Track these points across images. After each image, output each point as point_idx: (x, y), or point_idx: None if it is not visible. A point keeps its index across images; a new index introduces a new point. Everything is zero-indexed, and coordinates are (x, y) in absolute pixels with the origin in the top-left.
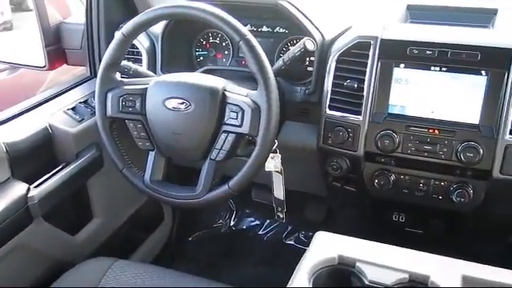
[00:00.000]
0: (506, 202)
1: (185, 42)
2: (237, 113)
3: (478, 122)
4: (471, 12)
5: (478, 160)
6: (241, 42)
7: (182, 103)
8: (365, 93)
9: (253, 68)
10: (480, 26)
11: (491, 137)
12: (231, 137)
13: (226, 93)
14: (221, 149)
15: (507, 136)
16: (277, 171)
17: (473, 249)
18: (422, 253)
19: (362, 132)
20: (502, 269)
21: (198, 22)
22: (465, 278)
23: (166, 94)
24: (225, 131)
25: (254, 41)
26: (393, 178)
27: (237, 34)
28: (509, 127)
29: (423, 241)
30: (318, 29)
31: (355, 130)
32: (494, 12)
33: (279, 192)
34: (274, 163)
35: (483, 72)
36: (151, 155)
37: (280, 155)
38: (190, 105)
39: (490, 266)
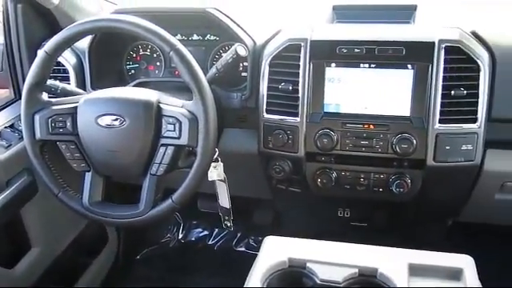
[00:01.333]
0: (442, 188)
1: (114, 56)
2: (174, 125)
3: (409, 114)
4: (393, 9)
5: (413, 150)
6: (171, 53)
7: (116, 119)
8: (300, 94)
9: (186, 78)
10: (402, 22)
11: (422, 127)
12: (170, 149)
13: (161, 105)
14: (160, 163)
15: (437, 125)
16: (220, 180)
17: (416, 235)
18: (369, 246)
19: (301, 133)
20: (442, 253)
21: (125, 35)
22: (411, 266)
23: (98, 112)
24: (163, 144)
25: (185, 50)
26: (334, 175)
27: (166, 44)
28: (437, 117)
29: (369, 233)
30: (248, 34)
31: (294, 131)
32: (414, 8)
33: (224, 200)
34: (216, 172)
35: (409, 66)
36: (88, 176)
37: (222, 164)
38: (125, 120)
39: (432, 252)
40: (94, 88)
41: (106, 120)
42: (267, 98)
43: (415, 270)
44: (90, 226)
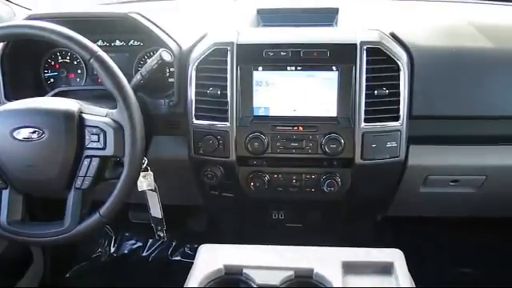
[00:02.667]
0: (370, 184)
1: (30, 64)
2: (98, 135)
3: (336, 115)
4: (316, 12)
5: (341, 150)
6: (91, 60)
7: (34, 132)
8: (229, 99)
9: (108, 86)
10: (326, 25)
11: (349, 127)
12: (95, 161)
13: (84, 115)
14: (85, 176)
15: (362, 124)
16: (151, 189)
17: (349, 233)
18: (304, 247)
19: (232, 137)
20: (374, 249)
21: (42, 42)
22: (345, 264)
23: (13, 124)
24: (87, 156)
25: (106, 57)
26: (267, 178)
27: (86, 51)
28: (363, 116)
29: (305, 233)
30: (173, 39)
31: (225, 136)
32: (336, 11)
33: (156, 210)
34: (146, 182)
35: (334, 67)
36: (5, 194)
37: (152, 173)
38: (44, 133)
39: (364, 249)
40: (9, 99)
41: (23, 133)
42: (196, 104)
43: (349, 268)
44: (11, 248)
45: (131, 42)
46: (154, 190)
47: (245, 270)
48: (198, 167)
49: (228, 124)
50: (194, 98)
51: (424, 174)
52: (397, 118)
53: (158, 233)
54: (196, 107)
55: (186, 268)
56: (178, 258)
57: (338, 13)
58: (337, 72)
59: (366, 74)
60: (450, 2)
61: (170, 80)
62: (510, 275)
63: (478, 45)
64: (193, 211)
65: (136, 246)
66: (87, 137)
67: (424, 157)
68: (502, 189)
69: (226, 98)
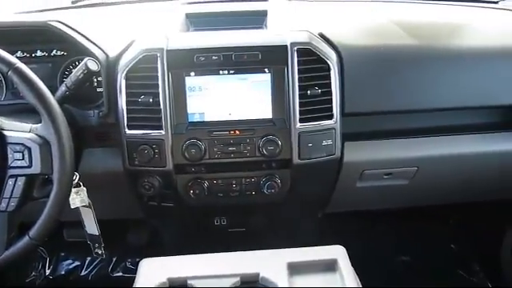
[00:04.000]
0: (309, 183)
1: None
2: (22, 152)
3: (271, 117)
4: (245, 15)
5: (279, 151)
6: (10, 73)
7: None
8: (162, 106)
9: (30, 99)
10: (256, 28)
11: (285, 128)
12: (21, 181)
13: (4, 132)
14: (11, 197)
15: (298, 125)
16: (85, 206)
17: (292, 233)
18: (248, 252)
19: (168, 146)
20: (317, 247)
21: None
22: (290, 265)
23: None
24: (12, 176)
25: (26, 69)
26: (206, 184)
27: (3, 63)
28: (298, 116)
29: (249, 237)
30: (98, 47)
31: (160, 145)
32: (265, 13)
33: (92, 227)
34: (79, 198)
35: (266, 70)
36: None
37: (85, 188)
38: None
39: (308, 248)
40: None
41: None
42: (127, 113)
43: (294, 269)
44: None
45: (54, 52)
46: (89, 206)
47: (189, 281)
48: (134, 179)
49: (163, 132)
50: (125, 107)
51: (360, 169)
52: (330, 117)
53: (96, 250)
54: (128, 117)
55: (128, 284)
56: (120, 273)
57: (266, 15)
58: (269, 74)
59: (298, 74)
60: (374, 2)
61: (99, 90)
62: (446, 258)
63: (403, 42)
64: (132, 224)
65: (73, 265)
66: (10, 155)
67: (359, 152)
68: (433, 179)
69: (159, 105)
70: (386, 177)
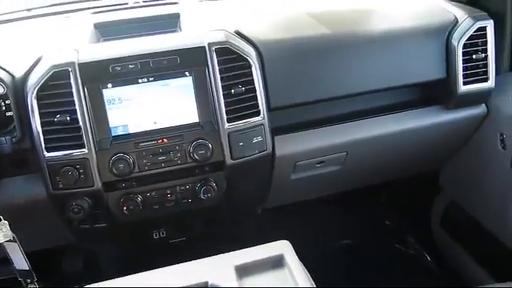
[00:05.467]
0: (245, 182)
1: None
2: None
3: (198, 120)
4: (157, 19)
5: (210, 154)
6: None
7: None
8: (81, 123)
9: None
10: (170, 31)
11: (214, 130)
12: None
13: None
14: None
15: (226, 125)
16: (9, 240)
17: (235, 234)
18: (193, 261)
19: (93, 164)
20: (262, 245)
21: None
22: (237, 268)
23: None
24: None
25: None
26: (140, 198)
27: None
28: (225, 117)
29: (191, 246)
30: (1, 67)
31: (84, 164)
32: (177, 16)
33: (21, 262)
34: (2, 233)
35: (187, 73)
36: None
37: (7, 222)
38: None
39: (253, 247)
40: None
41: None
42: (44, 135)
43: (243, 270)
44: None
45: None
46: (14, 240)
47: None
48: (61, 203)
49: (86, 150)
50: (40, 129)
51: (292, 161)
52: (257, 113)
53: (29, 286)
54: (45, 139)
55: None
56: None
57: (179, 18)
58: (191, 77)
59: (220, 74)
60: None
61: (8, 114)
62: (383, 235)
63: (318, 32)
64: (66, 251)
65: None
66: None
67: (289, 145)
68: (362, 161)
69: (78, 122)
70: (318, 165)
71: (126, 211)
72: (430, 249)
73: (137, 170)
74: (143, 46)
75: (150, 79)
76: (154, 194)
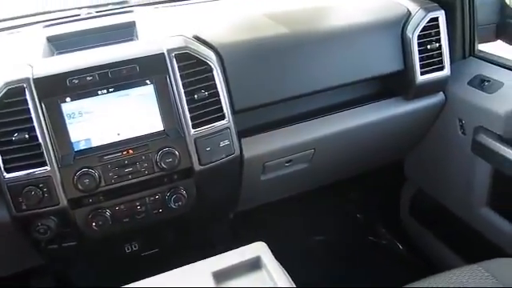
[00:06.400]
0: (215, 187)
1: None
2: None
3: (163, 128)
4: (112, 29)
5: (178, 162)
6: None
7: None
8: (40, 140)
9: None
10: (127, 40)
11: (180, 137)
12: None
13: None
14: None
15: (192, 131)
16: None
17: (209, 240)
18: (168, 273)
19: (57, 181)
20: (237, 249)
21: None
22: (215, 274)
23: None
24: None
25: None
26: (109, 213)
27: None
28: (190, 123)
29: (165, 256)
30: None
31: (48, 182)
32: (133, 24)
33: None
34: None
35: (148, 81)
36: None
37: None
38: None
39: (229, 252)
40: None
41: None
42: (2, 155)
43: (220, 276)
44: None
45: None
46: None
47: None
48: (26, 225)
49: (48, 168)
50: None
51: (261, 162)
52: (223, 117)
53: None
54: (3, 159)
55: None
56: None
57: (135, 26)
58: (152, 85)
59: (182, 80)
60: None
61: None
62: (355, 229)
63: (277, 32)
64: (35, 274)
65: None
66: None
67: (257, 146)
68: (329, 157)
69: (38, 140)
70: (287, 164)
71: (95, 227)
72: (402, 238)
73: (103, 183)
74: (100, 56)
75: (110, 90)
76: (122, 207)
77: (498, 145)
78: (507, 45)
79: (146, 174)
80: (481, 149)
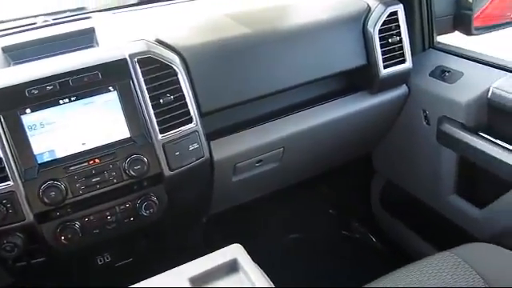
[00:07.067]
0: (187, 191)
1: None
2: None
3: (130, 135)
4: (71, 36)
5: (147, 168)
6: None
7: None
8: (1, 155)
9: None
10: (87, 47)
11: (147, 143)
12: None
13: None
14: None
15: (159, 136)
16: None
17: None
18: (144, 282)
19: (21, 196)
20: (214, 252)
21: None
22: (192, 280)
23: None
24: None
25: None
26: (78, 225)
27: None
28: (157, 128)
29: (139, 265)
30: None
31: (12, 198)
32: (92, 31)
33: None
34: None
35: (111, 88)
36: None
37: None
38: None
39: (205, 256)
40: None
41: None
42: None
43: (198, 281)
44: None
45: None
46: None
47: None
48: None
49: (11, 183)
50: None
51: (231, 163)
52: (190, 120)
53: None
54: None
55: None
56: None
57: (94, 32)
58: (116, 92)
59: (146, 85)
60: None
61: None
62: (329, 224)
63: (240, 32)
64: None
65: None
66: None
67: (227, 148)
68: (299, 154)
69: None
70: (257, 164)
71: (64, 241)
72: (375, 230)
73: (70, 195)
74: (60, 64)
75: (72, 99)
76: (92, 218)
77: (462, 133)
78: (464, 35)
79: (115, 183)
80: (445, 138)
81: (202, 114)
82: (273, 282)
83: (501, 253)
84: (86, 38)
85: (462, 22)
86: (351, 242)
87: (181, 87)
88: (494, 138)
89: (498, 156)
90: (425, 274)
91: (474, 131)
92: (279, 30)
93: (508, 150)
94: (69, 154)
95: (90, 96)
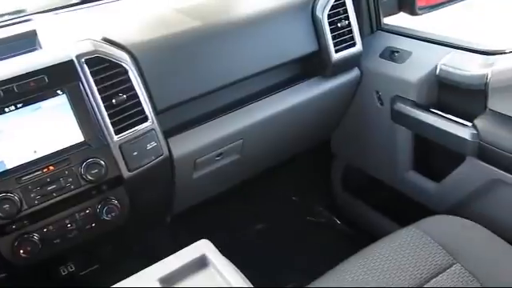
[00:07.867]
0: (149, 192)
1: None
2: None
3: (84, 139)
4: (11, 41)
5: (105, 171)
6: None
7: None
8: None
9: None
10: (30, 51)
11: (103, 145)
12: None
13: None
14: None
15: (115, 138)
16: None
17: (150, 248)
18: (114, 286)
19: None
20: (181, 250)
21: None
22: (162, 279)
23: None
24: None
25: None
26: (37, 236)
27: None
28: (111, 129)
29: (105, 272)
30: None
31: None
32: (34, 33)
33: None
34: None
35: (59, 91)
36: None
37: None
38: None
39: (173, 255)
40: None
41: None
42: None
43: (168, 281)
44: None
45: None
46: None
47: None
48: None
49: None
50: None
51: (191, 159)
52: (145, 119)
53: None
54: None
55: None
56: None
57: (36, 34)
58: (65, 95)
59: (96, 86)
60: None
61: None
62: (294, 211)
63: (189, 26)
64: None
65: None
66: None
67: (186, 144)
68: (259, 145)
69: None
70: (217, 158)
71: (23, 254)
72: (339, 213)
73: (26, 206)
74: (2, 71)
75: (19, 106)
76: (51, 228)
77: (415, 110)
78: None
79: (72, 189)
80: (399, 116)
81: (157, 112)
82: (243, 274)
83: (458, 223)
84: (27, 42)
85: (406, 2)
86: (317, 227)
87: (133, 85)
88: (445, 113)
89: (449, 130)
90: (391, 250)
91: (425, 108)
92: (228, 22)
93: (458, 123)
94: (20, 163)
95: (37, 101)
